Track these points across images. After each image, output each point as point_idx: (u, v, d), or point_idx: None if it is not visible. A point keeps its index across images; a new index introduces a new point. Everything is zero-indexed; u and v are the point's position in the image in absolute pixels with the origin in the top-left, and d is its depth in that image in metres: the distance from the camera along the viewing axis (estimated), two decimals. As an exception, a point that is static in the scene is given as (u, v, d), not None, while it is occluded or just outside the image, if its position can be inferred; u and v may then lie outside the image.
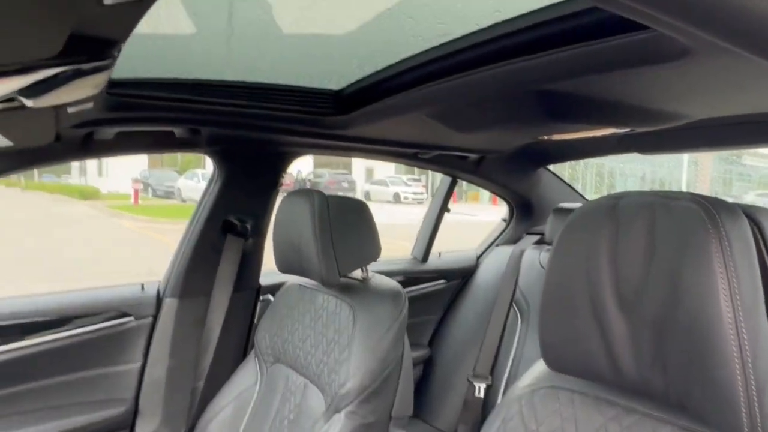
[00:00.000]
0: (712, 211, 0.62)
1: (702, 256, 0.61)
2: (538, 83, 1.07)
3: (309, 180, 20.24)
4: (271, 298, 1.88)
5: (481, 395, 2.12)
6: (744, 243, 0.62)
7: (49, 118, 1.01)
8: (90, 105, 1.07)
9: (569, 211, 2.16)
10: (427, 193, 20.42)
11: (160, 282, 1.79)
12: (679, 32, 0.63)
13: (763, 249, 0.65)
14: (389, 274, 2.12)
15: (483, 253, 2.63)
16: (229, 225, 1.79)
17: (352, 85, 1.50)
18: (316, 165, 22.57)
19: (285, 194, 1.62)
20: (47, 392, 1.55)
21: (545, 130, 1.67)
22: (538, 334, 0.80)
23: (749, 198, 14.13)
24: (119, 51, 0.72)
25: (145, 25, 1.10)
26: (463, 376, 2.22)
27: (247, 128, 1.58)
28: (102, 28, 0.58)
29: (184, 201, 16.74)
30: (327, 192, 1.51)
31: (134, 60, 1.25)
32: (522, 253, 2.30)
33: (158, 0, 0.98)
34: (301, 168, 20.81)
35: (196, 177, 16.57)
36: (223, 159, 1.75)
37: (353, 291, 1.50)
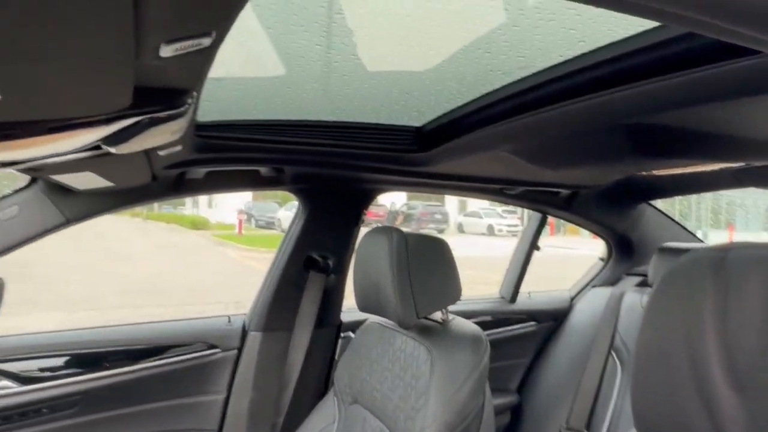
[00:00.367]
0: None
1: None
2: (628, 116, 0.98)
3: (402, 212, 20.43)
4: (351, 335, 1.87)
5: None
6: None
7: (142, 161, 1.08)
8: (179, 148, 1.13)
9: (676, 251, 1.97)
10: (522, 225, 19.80)
11: (246, 315, 1.84)
12: None
13: None
14: (475, 314, 2.03)
15: (578, 294, 2.46)
16: (312, 261, 1.81)
17: (433, 121, 1.47)
18: (410, 197, 22.75)
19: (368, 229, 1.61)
20: (139, 418, 1.63)
21: (642, 166, 1.54)
22: None
23: None
24: (193, 98, 0.74)
25: (239, 69, 1.17)
26: (555, 426, 2.06)
27: (330, 166, 1.60)
28: (167, 78, 0.60)
29: (283, 231, 17.51)
30: (420, 224, 1.47)
31: (222, 103, 1.32)
32: (622, 295, 2.12)
33: (249, 43, 1.03)
34: (395, 200, 21.11)
35: (295, 209, 17.32)
36: (306, 196, 1.79)
37: (432, 334, 1.43)
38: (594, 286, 2.43)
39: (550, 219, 2.35)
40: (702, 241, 2.40)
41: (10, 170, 0.97)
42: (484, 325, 1.51)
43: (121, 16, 0.37)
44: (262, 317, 1.78)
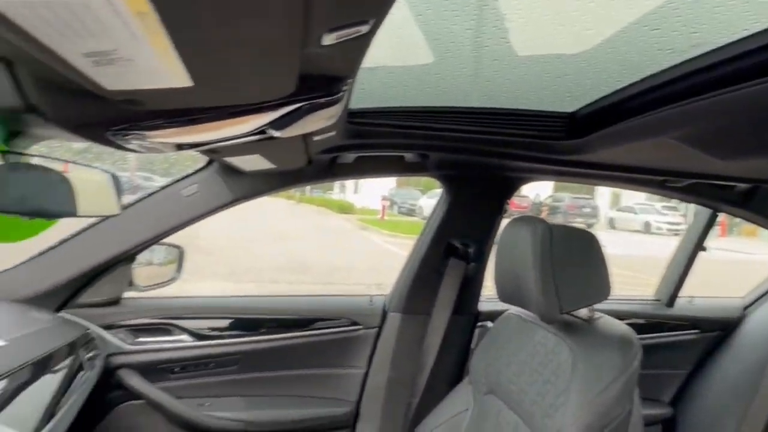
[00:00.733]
0: None
1: None
2: None
3: (547, 204, 19.54)
4: (489, 325, 1.85)
5: None
6: None
7: (300, 145, 1.17)
8: (333, 133, 1.20)
9: None
10: (685, 223, 17.82)
11: (386, 296, 1.91)
12: None
13: None
14: (626, 315, 1.89)
15: (753, 303, 2.16)
16: (452, 248, 1.82)
17: (587, 106, 1.39)
18: (556, 188, 21.64)
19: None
20: (287, 382, 1.79)
21: None
22: None
23: None
24: (348, 84, 0.79)
25: (389, 58, 1.21)
26: (717, 448, 1.85)
27: (475, 153, 1.59)
28: (326, 66, 0.64)
29: (424, 218, 17.81)
30: (567, 218, 1.41)
31: (374, 92, 1.38)
32: (811, 310, 1.82)
33: (401, 31, 1.06)
34: (540, 191, 20.26)
35: (437, 197, 17.52)
36: (450, 183, 1.80)
37: (576, 331, 1.36)
38: (774, 297, 2.12)
39: (722, 217, 2.08)
40: None
41: (193, 152, 1.11)
42: (635, 329, 1.40)
43: (292, 7, 0.41)
44: (401, 299, 1.84)
